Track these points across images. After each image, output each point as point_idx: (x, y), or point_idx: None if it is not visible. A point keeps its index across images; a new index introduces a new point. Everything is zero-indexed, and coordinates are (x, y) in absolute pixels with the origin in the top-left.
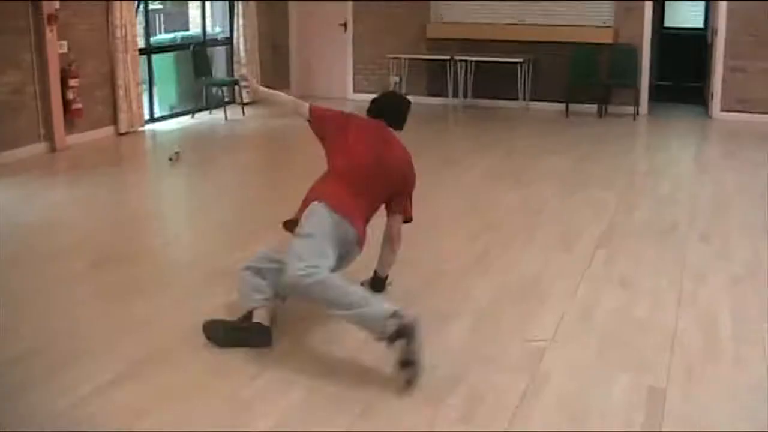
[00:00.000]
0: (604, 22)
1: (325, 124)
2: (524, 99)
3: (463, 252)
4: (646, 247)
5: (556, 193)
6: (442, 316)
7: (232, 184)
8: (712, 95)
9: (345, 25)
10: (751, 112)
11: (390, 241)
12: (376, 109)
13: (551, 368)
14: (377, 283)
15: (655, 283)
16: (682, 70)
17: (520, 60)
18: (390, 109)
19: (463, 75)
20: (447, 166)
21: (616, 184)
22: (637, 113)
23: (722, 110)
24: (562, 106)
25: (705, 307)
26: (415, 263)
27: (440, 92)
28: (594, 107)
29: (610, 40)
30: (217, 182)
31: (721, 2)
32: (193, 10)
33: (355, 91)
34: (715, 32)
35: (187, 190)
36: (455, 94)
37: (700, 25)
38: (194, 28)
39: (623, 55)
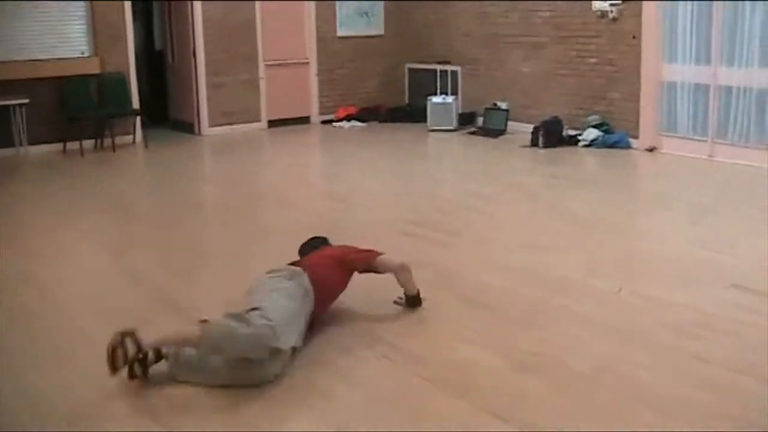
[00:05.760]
0: (83, 53)
1: None
2: (21, 144)
3: None
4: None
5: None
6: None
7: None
8: (198, 113)
9: None
10: (234, 124)
11: (396, 273)
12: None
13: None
14: (412, 300)
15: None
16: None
17: (20, 101)
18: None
19: None
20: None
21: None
22: (143, 139)
23: (210, 126)
24: (61, 146)
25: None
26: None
27: None
28: (93, 142)
29: (97, 70)
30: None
31: (196, 22)
32: None
33: None
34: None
35: None
36: None
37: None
38: None
39: (114, 84)
